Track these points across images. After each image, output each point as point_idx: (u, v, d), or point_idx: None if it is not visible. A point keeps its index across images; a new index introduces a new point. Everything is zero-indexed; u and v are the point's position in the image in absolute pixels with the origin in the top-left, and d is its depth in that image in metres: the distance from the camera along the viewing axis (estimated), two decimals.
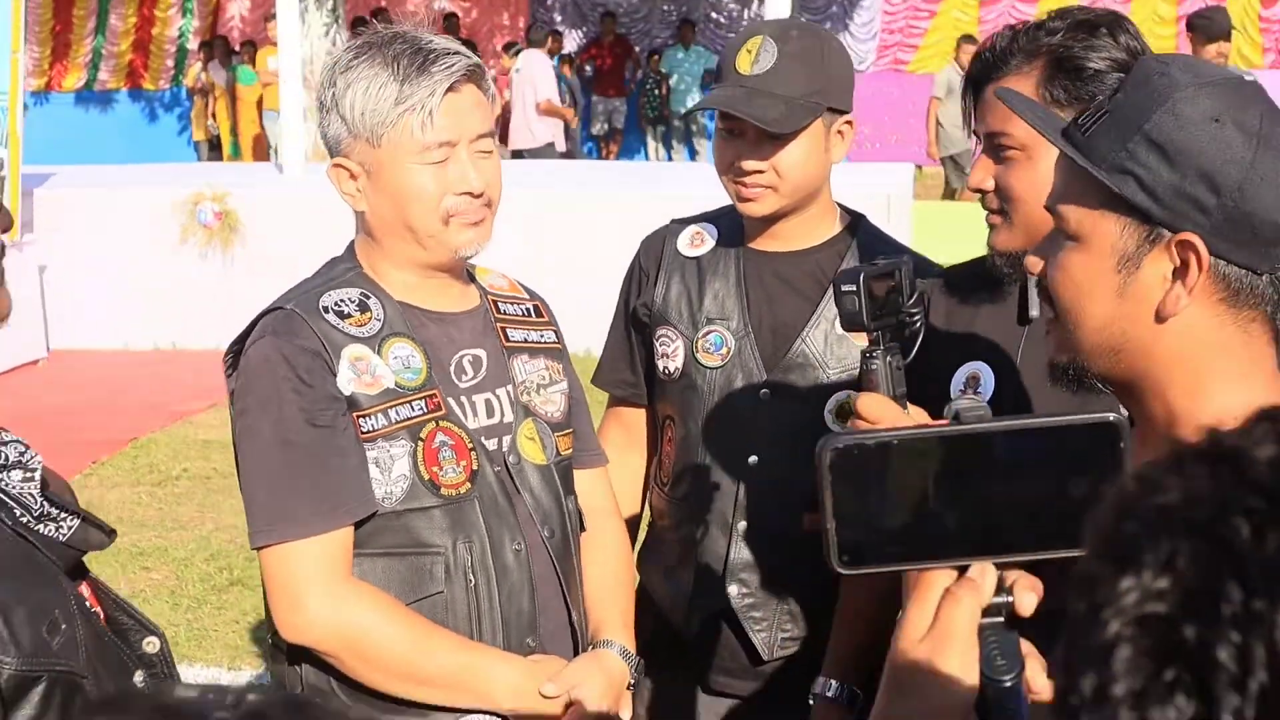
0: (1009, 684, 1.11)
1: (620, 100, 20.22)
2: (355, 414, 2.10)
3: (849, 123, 2.61)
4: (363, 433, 2.10)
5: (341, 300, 2.17)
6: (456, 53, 2.15)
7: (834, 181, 2.66)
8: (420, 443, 2.13)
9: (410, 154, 2.12)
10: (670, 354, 2.68)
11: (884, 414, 1.61)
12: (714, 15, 21.18)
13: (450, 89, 2.12)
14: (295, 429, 2.06)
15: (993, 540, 1.14)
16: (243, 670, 5.17)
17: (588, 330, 4.44)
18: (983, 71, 2.20)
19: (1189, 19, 10.13)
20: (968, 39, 13.51)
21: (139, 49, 21.64)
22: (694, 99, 19.56)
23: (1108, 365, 1.56)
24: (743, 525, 2.62)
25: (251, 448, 2.12)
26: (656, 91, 19.86)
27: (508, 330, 2.34)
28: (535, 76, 15.39)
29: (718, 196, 2.72)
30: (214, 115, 19.52)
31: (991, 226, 2.21)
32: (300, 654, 2.13)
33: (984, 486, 1.14)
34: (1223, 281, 1.48)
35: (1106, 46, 2.13)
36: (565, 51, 20.12)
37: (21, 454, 1.70)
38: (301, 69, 11.71)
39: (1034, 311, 2.20)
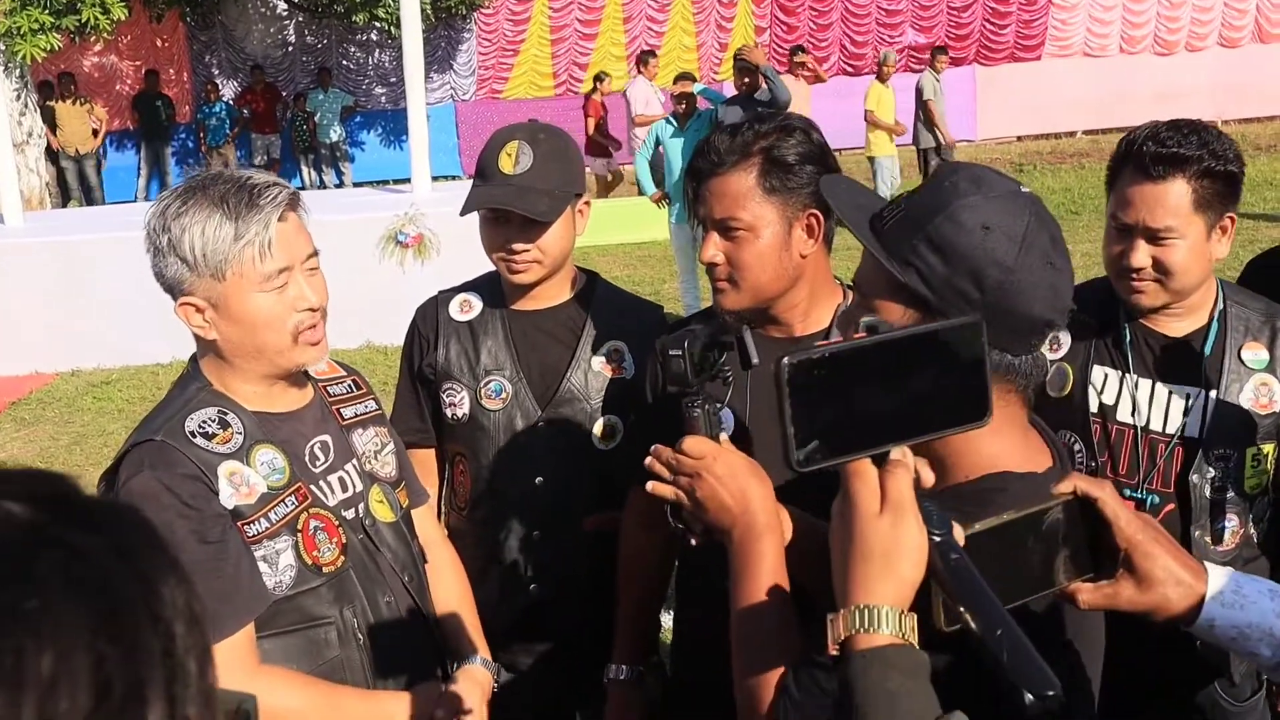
0: (940, 538, 1.15)
1: (275, 136, 19.33)
2: (240, 523, 1.88)
3: (587, 202, 2.56)
4: (249, 538, 1.88)
5: (204, 422, 1.93)
6: (276, 184, 1.93)
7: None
8: (299, 534, 1.93)
9: (254, 283, 1.90)
10: (457, 403, 2.57)
11: (706, 450, 1.61)
12: (344, 62, 20.50)
13: (280, 219, 1.91)
14: (190, 550, 1.81)
15: (903, 426, 1.16)
16: None
17: None
18: (708, 168, 2.13)
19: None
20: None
21: None
22: (336, 131, 18.98)
23: None
24: (537, 534, 2.55)
25: None
26: (305, 127, 19.04)
27: (341, 410, 2.15)
28: (636, 96, 14.75)
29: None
30: None
31: (720, 291, 2.15)
32: None
33: (893, 383, 1.15)
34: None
35: (801, 143, 2.11)
36: (225, 98, 19.14)
37: None
38: (7, 129, 10.58)
39: (755, 360, 2.15)
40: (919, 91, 14.08)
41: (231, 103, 19.26)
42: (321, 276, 2.02)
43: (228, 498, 1.88)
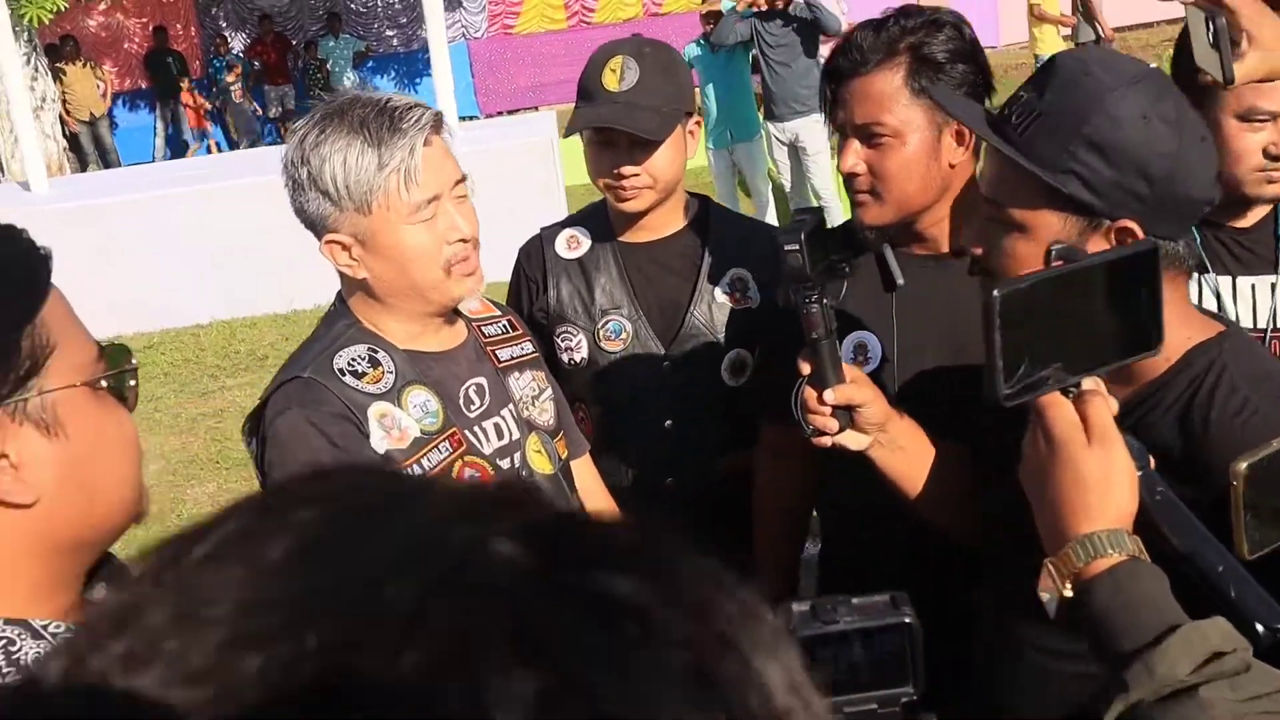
0: (1144, 471, 1.12)
1: (288, 86, 19.06)
2: None
3: (698, 122, 2.38)
4: None
5: (354, 360, 1.79)
6: (417, 105, 1.76)
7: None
8: None
9: (402, 216, 1.73)
10: (574, 347, 2.40)
11: (859, 396, 1.58)
12: (353, 6, 20.15)
13: (425, 143, 1.73)
14: None
15: (1092, 356, 1.14)
16: None
17: None
18: (849, 68, 1.96)
19: None
20: None
21: None
22: (350, 78, 18.65)
23: None
24: (670, 480, 2.39)
25: None
26: (318, 75, 18.76)
27: (497, 352, 2.00)
28: None
29: None
30: None
31: (860, 204, 1.98)
32: None
33: (1083, 312, 1.14)
34: None
35: (951, 39, 1.94)
36: (235, 51, 18.88)
37: None
38: (26, 95, 10.39)
39: (900, 280, 2.01)
40: None
41: (242, 55, 19.01)
42: (471, 204, 1.85)
43: (379, 441, 1.74)
